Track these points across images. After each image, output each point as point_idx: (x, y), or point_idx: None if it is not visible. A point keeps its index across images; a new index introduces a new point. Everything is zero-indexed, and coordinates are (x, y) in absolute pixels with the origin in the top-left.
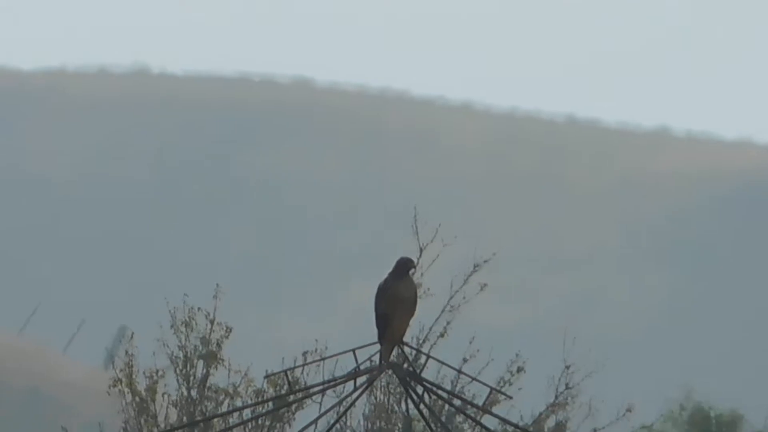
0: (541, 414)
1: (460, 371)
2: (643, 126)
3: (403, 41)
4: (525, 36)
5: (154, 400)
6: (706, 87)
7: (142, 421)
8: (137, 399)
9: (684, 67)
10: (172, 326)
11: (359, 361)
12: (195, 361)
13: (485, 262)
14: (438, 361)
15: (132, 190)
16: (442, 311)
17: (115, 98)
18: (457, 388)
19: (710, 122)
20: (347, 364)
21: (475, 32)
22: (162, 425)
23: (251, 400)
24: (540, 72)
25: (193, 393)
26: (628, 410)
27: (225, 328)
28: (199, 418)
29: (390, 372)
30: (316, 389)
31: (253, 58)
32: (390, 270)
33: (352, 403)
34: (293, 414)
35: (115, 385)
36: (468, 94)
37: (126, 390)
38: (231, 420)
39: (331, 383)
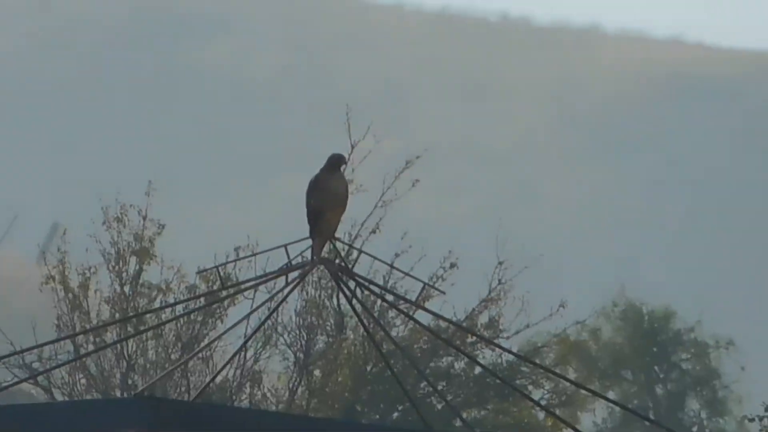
0: (474, 309)
1: (392, 266)
2: (574, 23)
3: None
4: None
5: (86, 297)
6: None
7: (75, 316)
8: (70, 295)
9: None
10: (104, 223)
11: (291, 257)
12: (128, 257)
13: (417, 158)
14: (370, 255)
15: (65, 81)
16: (375, 207)
17: None
18: (390, 284)
19: (642, 20)
20: (279, 260)
21: None
22: (94, 321)
23: (184, 296)
24: None
25: (126, 289)
26: (561, 306)
27: (158, 225)
28: (131, 314)
29: (321, 267)
30: (248, 285)
31: None
32: (322, 166)
33: (284, 299)
34: (225, 310)
35: (47, 282)
36: None
37: (59, 286)
38: (163, 316)
39: (263, 278)
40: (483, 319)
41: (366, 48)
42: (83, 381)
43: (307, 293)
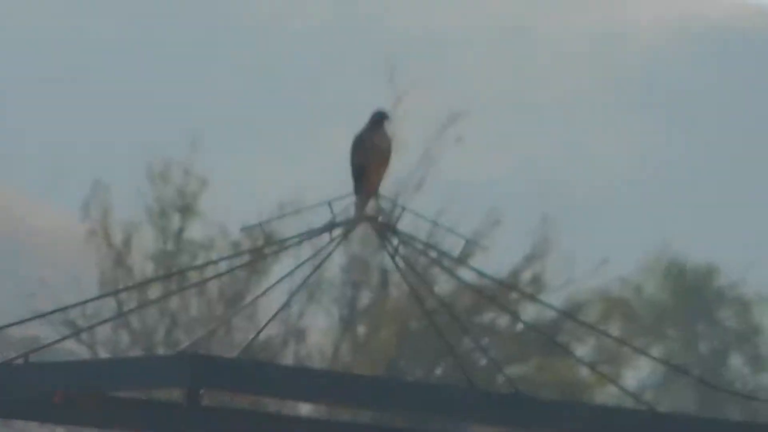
0: (517, 266)
1: (435, 223)
2: None
3: None
4: None
5: (129, 253)
6: None
7: (119, 273)
8: (113, 252)
9: None
10: (148, 178)
11: (335, 213)
12: (171, 213)
13: (460, 114)
14: (413, 212)
15: (110, 36)
16: (418, 164)
17: None
18: (434, 241)
19: None
20: (324, 217)
21: None
22: (138, 278)
23: (227, 252)
24: None
25: (169, 246)
26: (604, 262)
27: (201, 181)
28: (174, 271)
29: (366, 224)
30: (291, 241)
31: None
32: (366, 122)
33: (328, 255)
34: (269, 266)
35: (91, 237)
36: None
37: (102, 242)
38: (206, 273)
39: (307, 235)
40: (526, 275)
41: (409, 2)
42: (127, 338)
43: (351, 250)
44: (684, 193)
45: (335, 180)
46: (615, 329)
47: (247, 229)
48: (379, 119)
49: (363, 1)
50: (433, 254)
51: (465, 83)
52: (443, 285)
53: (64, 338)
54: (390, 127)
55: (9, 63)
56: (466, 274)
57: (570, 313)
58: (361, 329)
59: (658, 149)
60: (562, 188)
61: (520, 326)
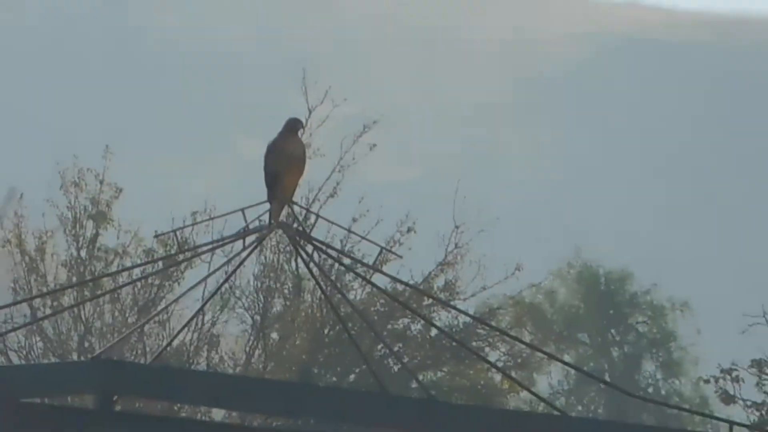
0: (431, 272)
1: (349, 230)
2: None
3: None
4: None
5: (43, 260)
6: None
7: (32, 280)
8: (26, 259)
9: None
10: (61, 187)
11: (248, 221)
12: (84, 221)
13: (374, 122)
14: (327, 220)
15: (20, 46)
16: (332, 171)
17: None
18: (347, 248)
19: None
20: (237, 224)
21: None
22: (51, 285)
23: (141, 260)
24: None
25: (83, 253)
26: (518, 269)
27: (115, 189)
28: (88, 278)
29: (279, 231)
30: (205, 248)
31: None
32: (280, 130)
33: (242, 263)
34: (182, 273)
35: (4, 246)
36: None
37: (15, 250)
38: (120, 279)
39: (220, 242)
40: (439, 282)
41: (323, 10)
42: (40, 344)
43: (265, 257)
44: (596, 199)
45: (248, 188)
46: (528, 335)
47: (160, 236)
48: (292, 127)
49: (275, 10)
50: (347, 261)
51: (378, 93)
52: (357, 291)
53: None
54: (303, 135)
55: None
56: (381, 281)
57: (482, 319)
58: (274, 335)
59: (567, 155)
60: (474, 195)
61: (433, 332)
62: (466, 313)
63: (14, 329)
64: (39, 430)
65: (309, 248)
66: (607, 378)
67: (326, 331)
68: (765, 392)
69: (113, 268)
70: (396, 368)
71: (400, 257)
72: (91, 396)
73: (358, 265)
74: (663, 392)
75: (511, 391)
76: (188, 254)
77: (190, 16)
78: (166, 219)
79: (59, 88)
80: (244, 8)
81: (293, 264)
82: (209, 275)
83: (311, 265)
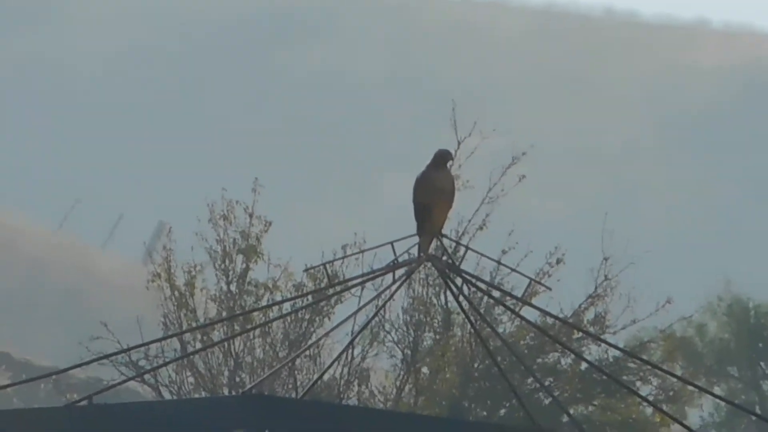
0: (580, 305)
1: (499, 262)
2: (681, 18)
3: None
4: None
5: (192, 295)
6: None
7: (182, 315)
8: (176, 294)
9: None
10: (210, 220)
11: (398, 254)
12: (234, 255)
13: (523, 154)
14: (477, 252)
15: (166, 88)
16: (481, 203)
17: (144, 2)
18: (496, 280)
19: (748, 14)
20: (386, 257)
21: None
22: (201, 319)
23: (290, 294)
24: None
25: (233, 287)
26: (667, 302)
27: (264, 222)
28: (238, 312)
29: (429, 264)
30: (354, 282)
31: None
32: (428, 162)
33: (391, 296)
34: (332, 307)
35: (153, 280)
36: None
37: (165, 285)
38: (270, 314)
39: (370, 276)
40: (589, 315)
41: (471, 46)
42: (191, 379)
43: (413, 290)
44: (745, 232)
45: (397, 224)
46: (679, 369)
47: (310, 270)
48: (441, 159)
49: (421, 47)
50: (497, 294)
51: (527, 125)
52: (507, 325)
53: (127, 380)
54: (452, 168)
55: (71, 112)
56: (530, 314)
57: (633, 353)
58: (424, 370)
59: (716, 191)
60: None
61: (583, 366)
62: (616, 347)
63: (165, 364)
64: None
65: (458, 281)
66: (757, 410)
67: (476, 365)
68: None
69: (263, 303)
70: (546, 402)
71: (549, 289)
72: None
73: (507, 297)
74: None
75: (662, 425)
76: (338, 288)
77: (336, 51)
78: (316, 253)
79: (206, 121)
80: (390, 43)
81: (442, 297)
82: (359, 309)
83: (460, 298)
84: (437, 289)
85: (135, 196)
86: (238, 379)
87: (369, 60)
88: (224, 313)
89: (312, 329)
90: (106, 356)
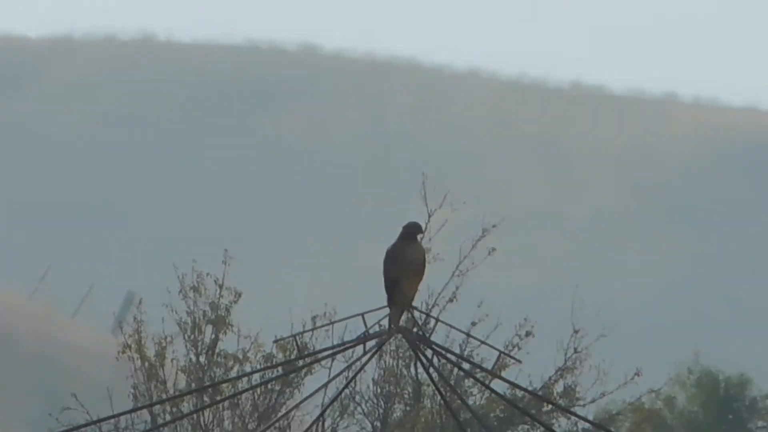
0: (550, 378)
1: (468, 335)
2: (649, 92)
3: (409, 10)
4: (531, 3)
5: (163, 366)
6: (713, 53)
7: (152, 386)
8: (146, 364)
9: (691, 33)
10: (180, 291)
11: (368, 326)
12: (204, 326)
13: (493, 227)
14: (447, 324)
15: (140, 156)
16: (452, 276)
17: (121, 66)
18: (466, 352)
19: (717, 88)
20: (356, 329)
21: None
22: (171, 391)
23: (260, 365)
24: (547, 39)
25: (202, 359)
26: (637, 374)
27: (234, 293)
28: (208, 384)
29: (399, 336)
30: (325, 354)
31: (260, 25)
32: (399, 235)
33: (362, 368)
34: (302, 379)
35: (124, 351)
36: (475, 62)
37: (135, 355)
38: (240, 385)
39: (340, 348)
40: (559, 387)
41: (442, 116)
42: None
43: (384, 362)
44: (715, 305)
45: (367, 293)
46: None
47: (280, 341)
48: (412, 232)
49: (393, 116)
50: (467, 366)
51: (497, 196)
52: (477, 396)
53: None
54: (422, 240)
55: (44, 181)
56: (500, 386)
57: (603, 425)
58: None
59: (687, 258)
60: (592, 299)
61: None
62: (586, 419)
63: None
64: None
65: (429, 353)
66: None
67: None
68: None
69: (233, 374)
70: None
71: (519, 362)
72: None
73: (478, 370)
74: None
75: None
76: (308, 360)
77: (307, 118)
78: (286, 324)
79: (174, 190)
80: (362, 111)
81: (413, 369)
82: (330, 381)
83: (431, 370)
84: (408, 360)
85: (104, 267)
86: None
87: (341, 126)
88: (193, 385)
89: (282, 401)
90: (76, 428)
